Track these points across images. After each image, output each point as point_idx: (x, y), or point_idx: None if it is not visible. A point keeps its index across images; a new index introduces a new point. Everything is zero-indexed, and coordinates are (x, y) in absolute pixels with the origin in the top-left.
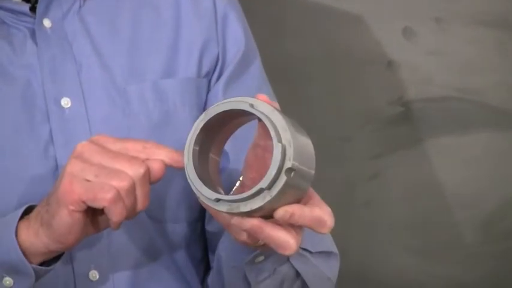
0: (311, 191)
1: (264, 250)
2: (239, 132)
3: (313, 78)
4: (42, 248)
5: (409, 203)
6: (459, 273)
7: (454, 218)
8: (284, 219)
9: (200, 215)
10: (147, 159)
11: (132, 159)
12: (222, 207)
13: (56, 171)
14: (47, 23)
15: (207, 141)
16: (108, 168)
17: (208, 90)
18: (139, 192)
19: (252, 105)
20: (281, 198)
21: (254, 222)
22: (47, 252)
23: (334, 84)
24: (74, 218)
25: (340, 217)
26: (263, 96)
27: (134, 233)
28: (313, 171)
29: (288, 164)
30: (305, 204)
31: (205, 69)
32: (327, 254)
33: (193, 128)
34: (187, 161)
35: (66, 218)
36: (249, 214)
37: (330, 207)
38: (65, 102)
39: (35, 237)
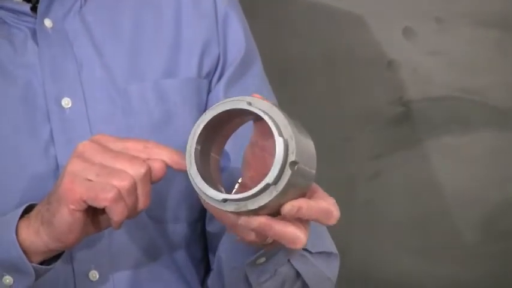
0: (314, 185)
1: (269, 249)
2: (240, 131)
3: (313, 78)
4: (42, 247)
5: (409, 203)
6: (459, 273)
7: (454, 218)
8: (291, 214)
9: (200, 215)
10: (148, 158)
11: (133, 158)
12: (229, 207)
13: (57, 171)
14: (48, 23)
15: (208, 141)
16: (109, 167)
17: (209, 90)
18: (140, 192)
19: (250, 104)
20: (287, 193)
21: (262, 220)
22: (47, 251)
23: (334, 84)
24: (75, 217)
25: (341, 217)
26: (258, 96)
27: (134, 233)
28: (314, 171)
29: (292, 157)
30: (310, 198)
31: (206, 69)
32: (327, 254)
33: (194, 129)
34: (190, 164)
35: (66, 217)
36: (256, 212)
37: None
38: (66, 102)
39: (35, 236)
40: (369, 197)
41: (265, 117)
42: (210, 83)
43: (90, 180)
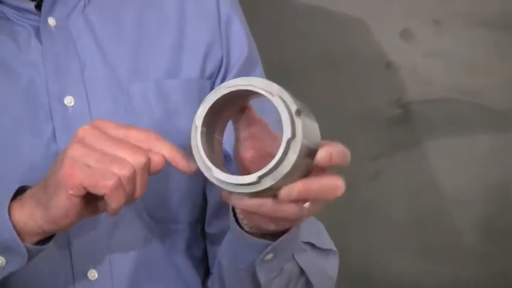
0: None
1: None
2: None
3: (312, 79)
4: (36, 229)
5: (409, 203)
6: (459, 273)
7: (454, 218)
8: (326, 159)
9: (201, 215)
10: (149, 150)
11: (134, 147)
12: (267, 183)
13: None
14: (51, 21)
15: (212, 124)
16: (110, 155)
17: None
18: (138, 181)
19: (252, 85)
20: (307, 140)
21: (299, 185)
22: (40, 232)
23: (334, 85)
24: (72, 202)
25: (341, 217)
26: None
27: (134, 233)
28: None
29: (293, 107)
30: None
31: (208, 70)
32: (327, 251)
33: (198, 114)
34: (203, 163)
35: (64, 202)
36: (288, 176)
37: (331, 208)
38: (68, 100)
39: (29, 217)
40: (368, 197)
41: (269, 96)
42: (213, 84)
43: (90, 166)
